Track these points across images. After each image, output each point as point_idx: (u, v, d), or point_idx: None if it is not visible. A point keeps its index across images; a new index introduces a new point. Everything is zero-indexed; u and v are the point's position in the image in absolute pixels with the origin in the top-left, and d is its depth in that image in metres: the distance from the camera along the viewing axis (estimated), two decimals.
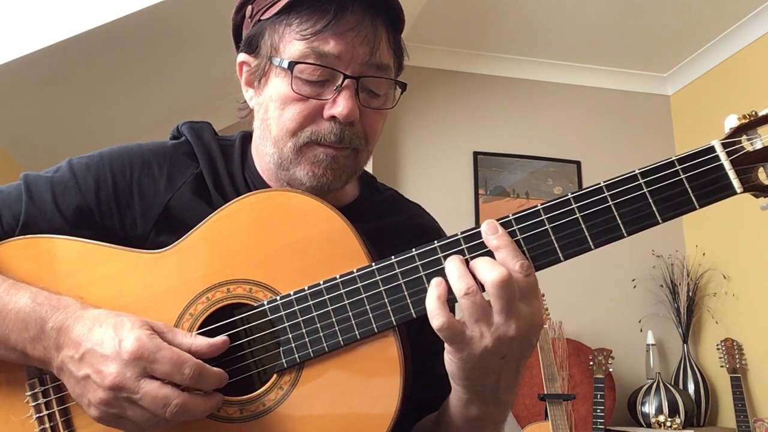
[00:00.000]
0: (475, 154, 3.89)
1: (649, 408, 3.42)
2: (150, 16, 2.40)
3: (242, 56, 0.94)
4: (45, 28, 2.27)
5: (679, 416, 3.35)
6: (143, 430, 0.75)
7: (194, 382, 0.74)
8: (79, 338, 0.75)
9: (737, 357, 3.35)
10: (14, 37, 2.26)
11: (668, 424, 3.31)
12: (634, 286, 3.82)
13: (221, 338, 0.78)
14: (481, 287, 0.73)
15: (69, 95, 2.72)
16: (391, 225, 1.00)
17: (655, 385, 3.49)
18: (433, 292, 0.74)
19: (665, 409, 3.37)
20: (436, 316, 0.72)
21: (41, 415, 0.82)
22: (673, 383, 3.59)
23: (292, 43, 0.86)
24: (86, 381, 0.74)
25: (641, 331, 3.78)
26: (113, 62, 2.63)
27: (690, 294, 3.73)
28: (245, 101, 0.97)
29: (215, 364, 0.79)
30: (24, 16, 2.26)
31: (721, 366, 3.38)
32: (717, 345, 3.45)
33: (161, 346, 0.74)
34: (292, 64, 0.86)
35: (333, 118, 0.86)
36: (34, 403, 0.82)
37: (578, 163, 4.00)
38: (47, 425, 0.82)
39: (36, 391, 0.83)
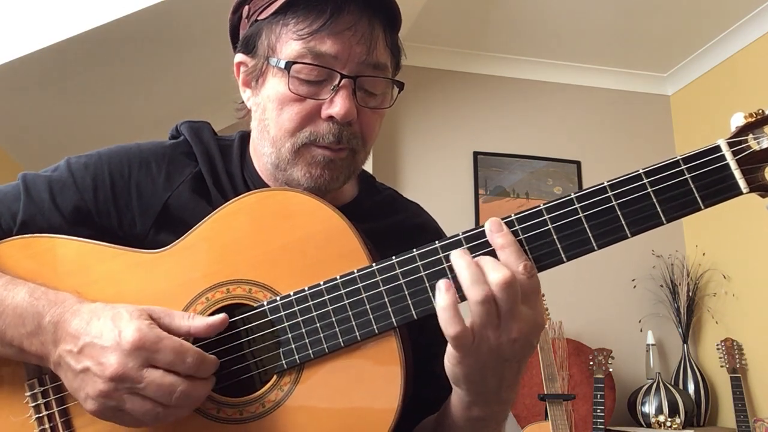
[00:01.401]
0: (475, 154, 3.89)
1: (649, 408, 3.42)
2: (150, 16, 2.40)
3: (239, 56, 0.94)
4: (45, 28, 2.27)
5: (679, 416, 3.34)
6: (139, 424, 0.75)
7: (195, 370, 0.74)
8: (78, 332, 0.75)
9: (737, 357, 3.35)
10: (14, 37, 2.26)
11: (668, 424, 3.31)
12: (634, 286, 3.82)
13: (219, 317, 0.79)
14: None
15: (69, 95, 2.72)
16: (390, 224, 1.00)
17: (655, 385, 3.49)
18: (445, 299, 0.72)
19: (665, 409, 3.37)
20: (452, 324, 0.71)
21: (41, 415, 0.82)
22: (673, 383, 3.59)
23: (288, 43, 0.86)
24: (85, 373, 0.74)
25: (641, 331, 3.77)
26: (113, 62, 2.63)
27: (690, 294, 3.73)
28: (243, 101, 0.97)
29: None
30: (24, 16, 2.26)
31: (721, 366, 3.38)
32: (717, 345, 3.45)
33: (162, 335, 0.74)
34: (289, 64, 0.85)
35: (331, 118, 0.86)
36: (33, 404, 0.82)
37: (578, 163, 4.00)
38: (47, 426, 0.82)
39: (36, 391, 0.83)
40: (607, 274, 3.80)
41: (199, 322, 0.78)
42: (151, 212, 0.91)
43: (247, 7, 0.92)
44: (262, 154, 0.93)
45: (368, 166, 3.15)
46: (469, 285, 0.71)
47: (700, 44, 3.85)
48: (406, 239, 0.83)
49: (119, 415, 0.75)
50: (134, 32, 2.48)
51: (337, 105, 0.85)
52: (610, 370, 3.36)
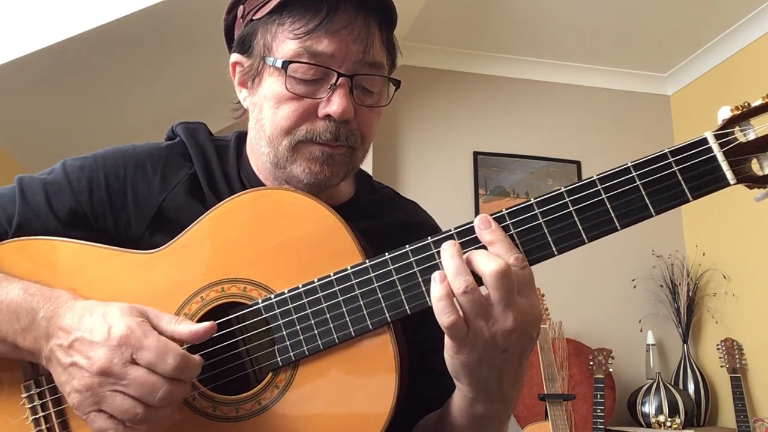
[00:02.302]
0: (475, 154, 3.89)
1: (649, 408, 3.42)
2: (150, 16, 2.40)
3: (235, 56, 0.94)
4: (45, 28, 2.27)
5: (679, 416, 3.34)
6: (111, 427, 0.73)
7: (177, 373, 0.72)
8: (69, 327, 0.75)
9: (737, 357, 3.35)
10: (14, 37, 2.26)
11: (668, 424, 3.31)
12: (634, 286, 3.82)
13: (204, 325, 0.77)
14: (478, 280, 0.73)
15: (69, 95, 2.72)
16: (387, 223, 1.00)
17: (655, 385, 3.48)
18: (439, 289, 0.72)
19: (665, 409, 3.37)
20: (445, 314, 0.71)
21: (38, 416, 0.82)
22: (673, 383, 3.59)
23: (285, 42, 0.86)
24: (73, 367, 0.74)
25: (641, 331, 3.77)
26: (113, 62, 2.63)
27: (690, 294, 3.73)
28: (239, 101, 0.97)
29: (211, 362, 0.79)
30: (24, 16, 2.26)
31: (721, 366, 3.38)
32: (717, 345, 3.45)
33: (148, 333, 0.73)
34: (285, 64, 0.86)
35: (328, 116, 0.86)
36: (30, 405, 0.82)
37: (578, 163, 4.00)
38: (43, 426, 0.82)
39: (32, 392, 0.83)
40: (607, 274, 3.79)
41: (182, 327, 0.76)
42: (146, 214, 0.91)
43: (241, 7, 0.93)
44: (261, 154, 0.93)
45: (368, 166, 3.16)
46: (451, 276, 0.72)
47: (700, 44, 3.85)
48: (404, 237, 0.82)
49: (95, 416, 0.73)
50: (134, 32, 2.48)
51: (335, 104, 0.85)
52: (610, 370, 3.36)
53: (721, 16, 3.57)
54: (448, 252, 0.74)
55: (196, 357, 0.75)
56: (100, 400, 0.72)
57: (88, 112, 2.92)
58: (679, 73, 4.10)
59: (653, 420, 3.37)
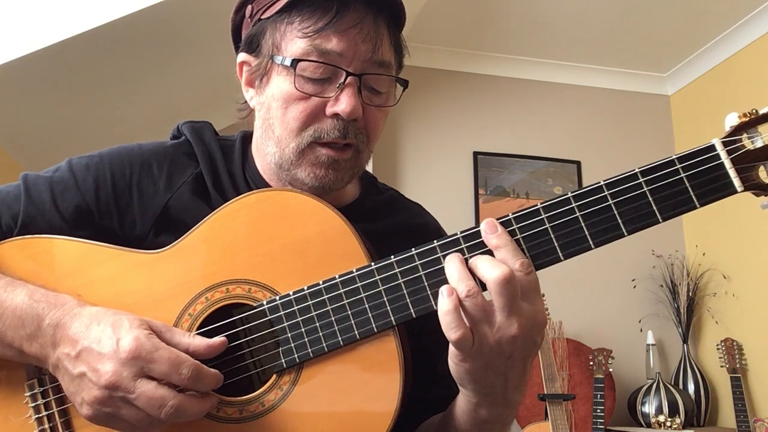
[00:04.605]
0: (475, 154, 3.89)
1: (649, 408, 3.42)
2: (150, 16, 2.40)
3: (242, 56, 0.94)
4: (45, 28, 2.27)
5: (679, 416, 3.35)
6: (136, 431, 0.75)
7: (191, 383, 0.73)
8: (76, 336, 0.75)
9: (737, 357, 3.35)
10: (14, 37, 2.26)
11: (668, 424, 3.31)
12: (634, 286, 3.82)
13: (219, 339, 0.78)
14: (482, 286, 0.73)
15: (69, 95, 2.72)
16: (392, 225, 1.00)
17: (655, 385, 3.49)
18: (447, 303, 0.71)
19: (665, 409, 3.37)
20: (453, 328, 0.71)
21: (40, 415, 0.82)
22: (673, 383, 3.59)
23: (294, 41, 0.86)
24: (81, 379, 0.74)
25: (641, 331, 3.78)
26: (113, 62, 2.63)
27: (690, 294, 3.73)
28: (245, 101, 0.97)
29: (215, 364, 0.79)
30: (24, 16, 2.26)
31: (721, 366, 3.38)
32: (717, 345, 3.45)
33: (159, 346, 0.73)
34: (294, 62, 0.85)
35: (336, 115, 0.86)
36: (33, 404, 0.82)
37: (578, 163, 4.00)
38: (46, 426, 0.82)
39: (35, 391, 0.83)
40: (607, 274, 3.80)
41: (199, 341, 0.77)
42: (151, 214, 0.91)
43: (250, 7, 0.93)
44: (266, 154, 0.93)
45: (368, 166, 3.15)
46: (454, 282, 0.72)
47: (700, 44, 3.85)
48: (408, 239, 0.82)
49: (114, 421, 0.74)
50: (134, 32, 2.48)
51: (343, 102, 0.85)
52: (610, 370, 3.36)
53: (721, 16, 3.57)
54: (451, 262, 0.74)
55: (213, 370, 0.76)
56: (114, 410, 0.73)
57: (89, 112, 2.92)
58: (679, 73, 4.10)
59: (653, 420, 3.37)
